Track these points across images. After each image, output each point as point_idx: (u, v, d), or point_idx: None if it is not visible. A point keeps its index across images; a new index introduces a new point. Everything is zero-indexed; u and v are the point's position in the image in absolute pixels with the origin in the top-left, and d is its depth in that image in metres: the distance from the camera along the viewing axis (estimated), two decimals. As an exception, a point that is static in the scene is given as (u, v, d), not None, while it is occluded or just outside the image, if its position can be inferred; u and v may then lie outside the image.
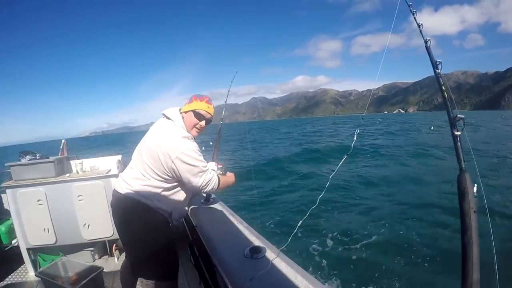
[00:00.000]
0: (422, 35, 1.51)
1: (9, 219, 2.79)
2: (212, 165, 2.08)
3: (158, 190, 1.67)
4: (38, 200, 2.62)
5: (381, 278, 4.55)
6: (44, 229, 2.64)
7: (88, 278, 2.38)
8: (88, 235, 2.71)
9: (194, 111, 1.76)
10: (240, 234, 1.61)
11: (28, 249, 2.68)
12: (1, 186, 2.67)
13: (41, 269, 2.50)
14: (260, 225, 6.54)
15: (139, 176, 1.67)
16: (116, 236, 2.55)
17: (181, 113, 1.79)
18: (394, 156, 16.26)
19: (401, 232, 6.14)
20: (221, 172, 2.12)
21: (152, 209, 1.66)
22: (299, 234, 5.95)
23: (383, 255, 5.25)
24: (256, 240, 1.52)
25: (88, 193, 2.68)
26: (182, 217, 1.80)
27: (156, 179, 1.65)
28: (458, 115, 1.08)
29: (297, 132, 40.35)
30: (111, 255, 2.95)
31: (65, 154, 3.18)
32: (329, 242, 6.01)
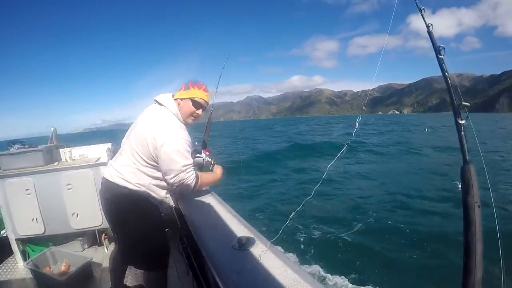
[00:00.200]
0: (424, 20, 1.42)
1: (-3, 210, 2.72)
2: (202, 153, 2.01)
3: (148, 178, 1.62)
4: (27, 190, 2.55)
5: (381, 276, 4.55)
6: (33, 219, 2.58)
7: (77, 268, 2.35)
8: (77, 224, 2.65)
9: (192, 99, 1.69)
10: (230, 224, 1.56)
11: (17, 240, 2.63)
12: None
13: (30, 259, 2.45)
14: (250, 216, 6.58)
15: (129, 163, 1.61)
16: (106, 225, 2.50)
17: (175, 99, 1.71)
18: (387, 154, 16.78)
19: (402, 228, 6.26)
20: (209, 159, 2.05)
21: (142, 197, 1.61)
22: (290, 225, 5.98)
23: (379, 249, 5.30)
24: (245, 230, 1.47)
25: (77, 182, 2.61)
26: (172, 205, 1.74)
27: (145, 165, 1.59)
28: (463, 103, 1.01)
29: (292, 131, 40.80)
30: (101, 244, 2.90)
31: (54, 143, 3.10)
32: (319, 234, 6.08)
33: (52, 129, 3.20)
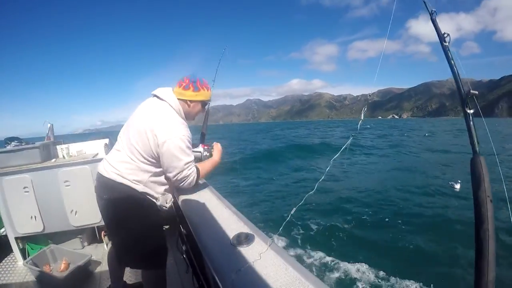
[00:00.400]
0: (427, 6, 1.34)
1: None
2: (200, 147, 1.98)
3: (146, 174, 1.57)
4: (24, 187, 2.52)
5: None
6: (31, 217, 2.55)
7: (76, 266, 2.34)
8: (76, 221, 2.62)
9: (202, 102, 1.70)
10: (229, 221, 1.51)
11: (16, 238, 2.60)
12: None
13: (29, 257, 2.43)
14: (249, 212, 6.62)
15: (126, 159, 1.56)
16: (104, 222, 2.47)
17: (184, 100, 1.65)
18: (385, 156, 16.98)
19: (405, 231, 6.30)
20: (207, 154, 2.02)
21: (139, 194, 1.56)
22: (291, 221, 6.04)
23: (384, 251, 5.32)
24: (245, 227, 1.42)
25: (74, 179, 2.57)
26: (170, 202, 1.70)
27: (144, 162, 1.54)
28: (471, 91, 0.95)
29: (291, 135, 41.06)
30: (100, 241, 2.88)
31: (51, 139, 3.06)
32: (320, 229, 6.12)
33: (49, 125, 3.14)
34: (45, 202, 2.57)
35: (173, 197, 2.05)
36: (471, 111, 0.93)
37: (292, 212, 1.35)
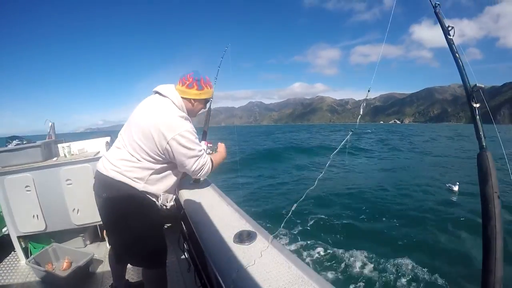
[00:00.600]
0: (430, 0, 1.31)
1: (-3, 207, 2.69)
2: (203, 144, 1.97)
3: (147, 172, 1.54)
4: (26, 186, 2.51)
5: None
6: (34, 215, 2.55)
7: (79, 264, 2.34)
8: (78, 220, 2.62)
9: (206, 100, 1.71)
10: (231, 218, 1.50)
11: (18, 237, 2.60)
12: None
13: (32, 256, 2.43)
14: (250, 209, 6.68)
15: (127, 157, 1.53)
16: (107, 220, 2.46)
17: (188, 99, 1.63)
18: (387, 159, 17.16)
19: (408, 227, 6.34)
20: (211, 152, 2.02)
21: (139, 193, 1.53)
22: (291, 218, 6.07)
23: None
24: (247, 224, 1.41)
25: (76, 177, 2.57)
26: (171, 200, 1.68)
27: (146, 160, 1.52)
28: (477, 84, 0.93)
29: (293, 137, 41.19)
30: (103, 239, 2.88)
31: (53, 138, 3.05)
32: (320, 224, 6.14)
33: (50, 124, 3.13)
34: (47, 201, 2.56)
35: (175, 195, 2.05)
36: (477, 105, 0.91)
37: (293, 208, 1.34)
